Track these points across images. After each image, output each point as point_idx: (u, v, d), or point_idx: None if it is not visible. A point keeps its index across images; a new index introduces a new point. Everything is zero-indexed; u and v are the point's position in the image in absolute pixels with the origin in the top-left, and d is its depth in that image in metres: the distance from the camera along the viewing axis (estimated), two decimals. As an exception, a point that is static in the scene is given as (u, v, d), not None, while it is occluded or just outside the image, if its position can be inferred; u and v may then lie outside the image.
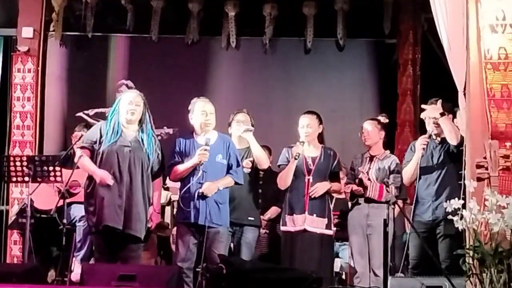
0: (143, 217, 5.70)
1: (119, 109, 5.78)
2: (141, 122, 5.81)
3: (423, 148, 5.88)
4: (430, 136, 5.96)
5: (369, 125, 6.33)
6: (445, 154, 5.87)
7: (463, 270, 4.72)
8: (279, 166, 6.28)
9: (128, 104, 5.75)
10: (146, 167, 5.72)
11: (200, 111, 5.89)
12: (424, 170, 5.92)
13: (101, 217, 5.60)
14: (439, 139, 5.96)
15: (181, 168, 5.80)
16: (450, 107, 5.90)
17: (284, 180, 6.16)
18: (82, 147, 5.77)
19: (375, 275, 6.00)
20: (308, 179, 6.14)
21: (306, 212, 6.09)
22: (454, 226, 5.46)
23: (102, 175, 5.61)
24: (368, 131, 6.31)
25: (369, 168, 6.25)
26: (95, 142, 5.73)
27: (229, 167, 5.88)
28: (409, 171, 5.97)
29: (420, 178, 5.92)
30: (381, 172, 6.18)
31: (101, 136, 5.73)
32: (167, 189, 7.52)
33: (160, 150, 5.84)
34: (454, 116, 5.95)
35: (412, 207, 6.02)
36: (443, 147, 5.91)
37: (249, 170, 6.14)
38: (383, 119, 6.47)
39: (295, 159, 6.06)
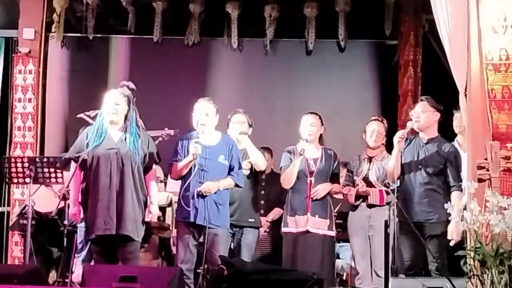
0: (136, 216, 5.65)
1: (103, 110, 5.74)
2: (126, 121, 5.74)
3: (399, 141, 5.81)
4: (412, 132, 5.94)
5: (378, 126, 6.31)
6: (431, 155, 5.85)
7: (453, 271, 4.74)
8: (281, 168, 6.28)
9: (109, 104, 5.70)
10: (136, 165, 5.66)
11: (198, 110, 5.90)
12: (409, 170, 5.87)
13: (93, 227, 5.59)
14: (426, 138, 5.95)
15: (179, 165, 5.80)
16: (438, 105, 5.93)
17: (289, 178, 6.16)
18: (72, 159, 5.72)
19: (378, 276, 6.00)
20: (310, 181, 6.16)
21: (309, 213, 6.10)
22: (439, 227, 5.53)
23: (75, 212, 5.67)
24: (379, 132, 6.29)
25: (369, 169, 6.25)
26: (84, 149, 5.66)
27: (231, 169, 5.89)
28: (389, 168, 5.91)
29: (404, 178, 5.89)
30: (381, 173, 6.19)
31: (87, 142, 5.68)
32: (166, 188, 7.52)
33: (149, 147, 5.76)
34: (447, 118, 5.98)
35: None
36: (429, 148, 5.89)
37: (248, 171, 6.14)
38: (385, 122, 6.46)
39: (300, 154, 6.07)
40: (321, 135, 6.33)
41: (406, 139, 5.95)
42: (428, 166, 5.82)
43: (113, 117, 5.68)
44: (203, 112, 5.87)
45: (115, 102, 5.70)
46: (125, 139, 5.68)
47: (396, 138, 5.85)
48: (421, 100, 6.04)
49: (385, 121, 6.44)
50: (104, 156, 5.62)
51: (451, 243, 5.50)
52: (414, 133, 6.02)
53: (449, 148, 5.83)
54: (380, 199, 6.10)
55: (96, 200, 5.60)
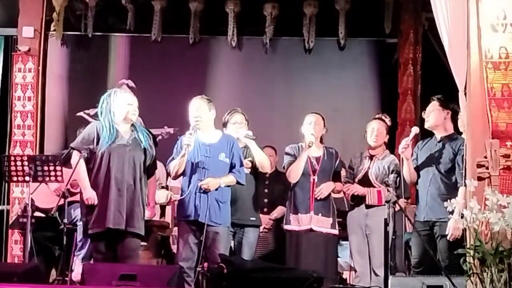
0: (143, 214, 5.75)
1: (111, 109, 5.76)
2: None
3: (403, 151, 5.83)
4: (416, 136, 5.95)
5: (379, 125, 6.31)
6: (443, 153, 5.86)
7: (462, 270, 4.73)
8: (285, 165, 6.28)
9: (128, 105, 5.77)
10: (144, 165, 5.76)
11: (191, 109, 5.92)
12: (423, 170, 5.90)
13: (103, 220, 5.61)
14: (439, 137, 5.95)
15: (174, 162, 5.82)
16: (449, 103, 5.93)
17: (295, 171, 6.18)
18: (78, 150, 5.74)
19: (376, 274, 6.01)
20: (314, 179, 6.18)
21: (312, 212, 6.12)
22: (450, 226, 5.53)
23: (91, 196, 5.64)
24: (379, 131, 6.29)
25: (369, 168, 6.25)
26: (92, 143, 5.72)
27: (232, 167, 5.90)
28: (405, 176, 5.93)
29: (419, 176, 5.92)
30: (380, 172, 6.19)
31: (98, 137, 5.72)
32: (167, 188, 7.52)
33: (154, 147, 5.86)
34: (456, 114, 5.97)
35: (415, 206, 6.04)
36: (441, 146, 5.89)
37: (249, 170, 6.14)
38: (388, 120, 6.46)
39: (309, 146, 6.10)
40: (321, 136, 6.34)
41: (422, 141, 6.01)
42: (440, 164, 5.84)
43: (133, 117, 5.79)
44: (195, 108, 5.90)
45: (135, 104, 5.81)
46: (138, 137, 5.78)
47: (400, 149, 5.87)
48: (432, 99, 6.05)
49: (387, 119, 6.44)
50: (117, 152, 5.68)
51: (449, 237, 5.52)
52: (430, 135, 6.04)
53: (460, 144, 5.80)
54: (378, 199, 6.11)
55: (107, 194, 5.63)
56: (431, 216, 5.77)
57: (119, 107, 5.76)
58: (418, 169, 5.94)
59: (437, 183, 5.81)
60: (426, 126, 5.98)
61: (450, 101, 5.91)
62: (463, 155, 5.65)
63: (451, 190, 5.71)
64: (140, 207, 5.72)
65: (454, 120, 5.98)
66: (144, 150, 5.76)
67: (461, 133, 6.09)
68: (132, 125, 5.82)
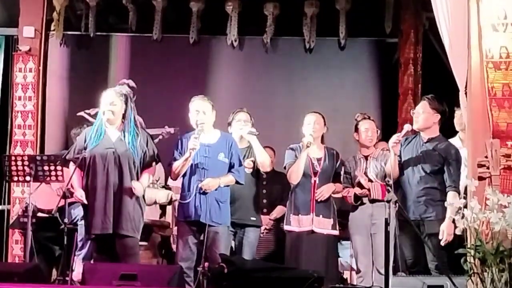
0: (134, 215, 5.69)
1: (100, 110, 5.78)
2: (124, 120, 5.78)
3: (393, 146, 5.79)
4: (412, 132, 5.94)
5: (370, 125, 6.29)
6: (429, 154, 5.83)
7: (454, 269, 4.74)
8: (285, 166, 6.27)
9: (105, 105, 5.73)
10: (134, 164, 5.71)
11: (195, 110, 5.90)
12: (407, 168, 5.88)
13: (91, 226, 5.65)
14: (426, 137, 5.93)
15: (177, 163, 5.81)
16: (440, 106, 5.91)
17: (296, 172, 6.16)
18: (71, 159, 5.77)
19: (380, 273, 5.98)
20: (315, 181, 6.17)
21: (313, 214, 6.11)
22: (437, 225, 5.52)
23: (80, 195, 5.66)
24: (373, 132, 6.28)
25: (366, 168, 6.23)
26: (82, 150, 5.72)
27: (231, 166, 5.90)
28: (387, 170, 5.90)
29: (403, 174, 5.90)
30: (379, 169, 6.18)
31: (85, 142, 5.73)
32: (169, 188, 7.52)
33: (147, 145, 5.80)
34: (444, 117, 5.96)
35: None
36: (428, 147, 5.87)
37: (251, 170, 6.14)
38: (371, 117, 6.46)
39: (307, 147, 6.08)
40: (322, 135, 6.34)
41: (406, 138, 5.97)
42: (426, 164, 5.81)
43: (109, 117, 5.71)
44: (201, 111, 5.88)
45: (110, 102, 5.73)
46: (124, 138, 5.71)
47: (390, 143, 5.86)
48: (423, 99, 6.03)
49: (371, 117, 6.43)
50: (101, 155, 5.66)
51: (442, 243, 5.51)
52: (414, 132, 6.03)
53: (449, 148, 5.81)
54: (382, 193, 6.09)
55: (94, 200, 5.64)
56: (417, 216, 5.75)
57: (102, 107, 5.76)
58: (401, 166, 5.91)
59: (423, 183, 5.79)
60: (415, 127, 5.92)
61: (440, 102, 5.91)
62: (453, 160, 5.68)
63: (437, 191, 5.74)
64: (130, 208, 5.66)
65: (441, 123, 5.97)
66: (132, 151, 5.70)
67: (453, 133, 6.10)
68: (124, 125, 5.75)
